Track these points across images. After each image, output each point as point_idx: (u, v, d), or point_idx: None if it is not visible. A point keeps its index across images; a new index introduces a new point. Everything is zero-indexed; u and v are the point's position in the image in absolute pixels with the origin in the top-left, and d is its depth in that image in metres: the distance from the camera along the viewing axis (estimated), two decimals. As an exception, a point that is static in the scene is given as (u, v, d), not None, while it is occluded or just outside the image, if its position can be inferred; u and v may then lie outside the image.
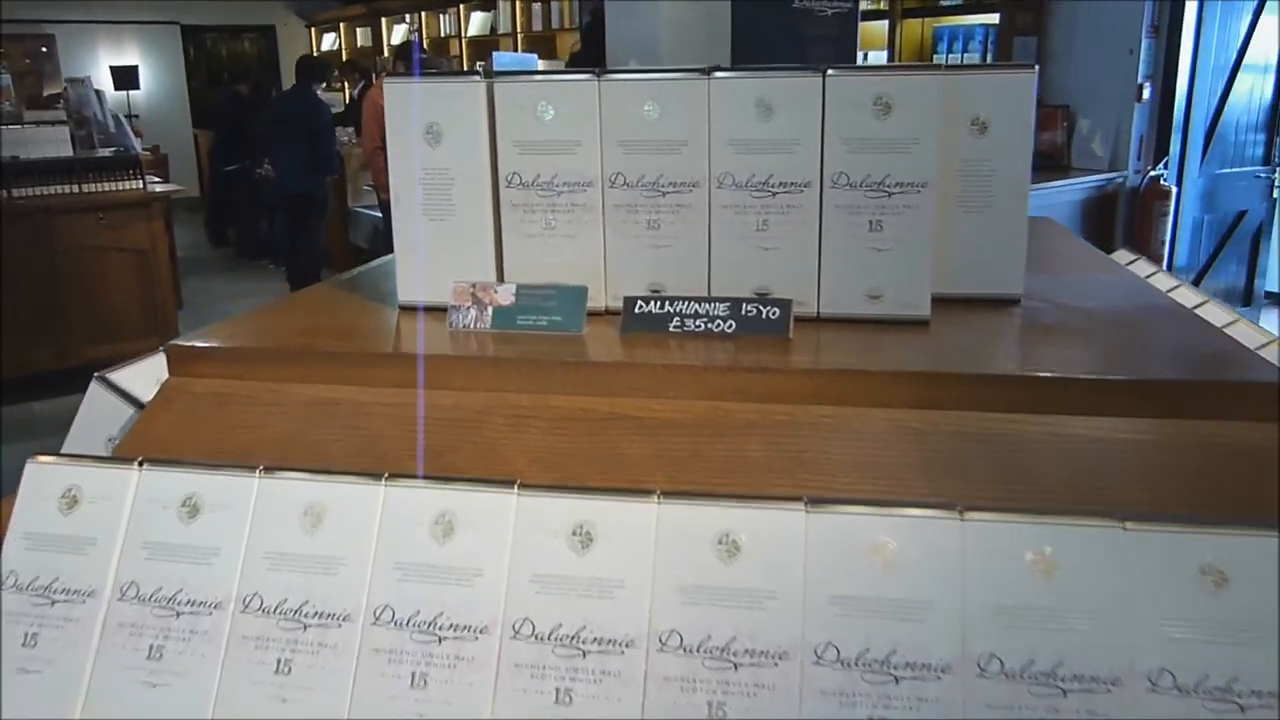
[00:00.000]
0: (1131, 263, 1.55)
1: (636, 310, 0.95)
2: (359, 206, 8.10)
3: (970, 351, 0.92)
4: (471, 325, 0.97)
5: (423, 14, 11.16)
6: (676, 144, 0.96)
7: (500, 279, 1.03)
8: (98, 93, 5.78)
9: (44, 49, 12.01)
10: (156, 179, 6.03)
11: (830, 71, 0.93)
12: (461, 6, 10.24)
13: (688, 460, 0.83)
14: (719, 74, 0.94)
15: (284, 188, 7.14)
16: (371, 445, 0.87)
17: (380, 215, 6.80)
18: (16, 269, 5.19)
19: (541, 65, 9.32)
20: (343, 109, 13.17)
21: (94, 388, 1.08)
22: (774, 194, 0.96)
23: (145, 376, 1.10)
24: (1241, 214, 5.58)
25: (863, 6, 6.12)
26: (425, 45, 9.95)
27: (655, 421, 0.85)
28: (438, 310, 1.03)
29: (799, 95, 0.94)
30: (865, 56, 6.17)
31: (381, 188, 6.38)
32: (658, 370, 0.86)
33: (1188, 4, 5.16)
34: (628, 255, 1.00)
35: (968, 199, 1.02)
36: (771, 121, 0.94)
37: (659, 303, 0.95)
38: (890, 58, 5.81)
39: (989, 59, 5.42)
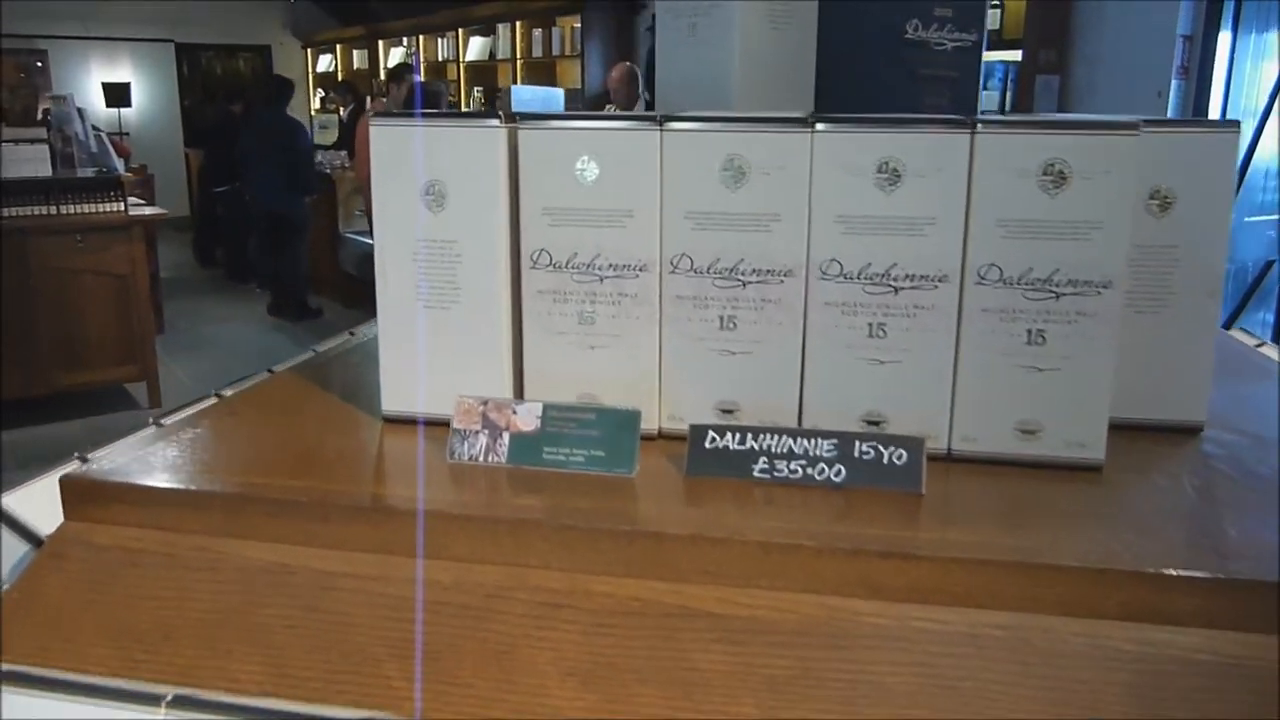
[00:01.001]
0: (1260, 345, 1.30)
1: (708, 444, 0.70)
2: (350, 232, 7.85)
3: (1192, 526, 0.67)
4: (481, 458, 0.71)
5: (420, 38, 10.98)
6: (765, 218, 0.71)
7: (518, 390, 0.78)
8: (80, 111, 5.53)
9: (38, 64, 11.78)
10: (140, 201, 5.78)
11: (982, 127, 0.68)
12: (460, 31, 10.05)
13: (791, 682, 0.57)
14: (826, 125, 0.69)
15: (262, 209, 7.04)
16: (337, 635, 0.61)
17: (373, 243, 6.54)
18: (-14, 292, 4.92)
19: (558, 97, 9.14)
20: (336, 131, 13.02)
21: (-26, 516, 0.81)
22: (896, 290, 0.71)
23: (52, 494, 0.83)
24: (1269, 264, 5.37)
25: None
26: (423, 69, 9.73)
27: (742, 623, 0.59)
28: (433, 425, 0.77)
29: (938, 158, 0.69)
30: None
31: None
32: (748, 549, 0.60)
33: (1219, 46, 4.99)
34: (692, 363, 0.75)
35: (1141, 297, 0.77)
36: (897, 192, 0.69)
37: (738, 435, 0.70)
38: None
39: (1009, 98, 5.22)
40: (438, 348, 0.78)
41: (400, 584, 0.63)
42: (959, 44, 0.86)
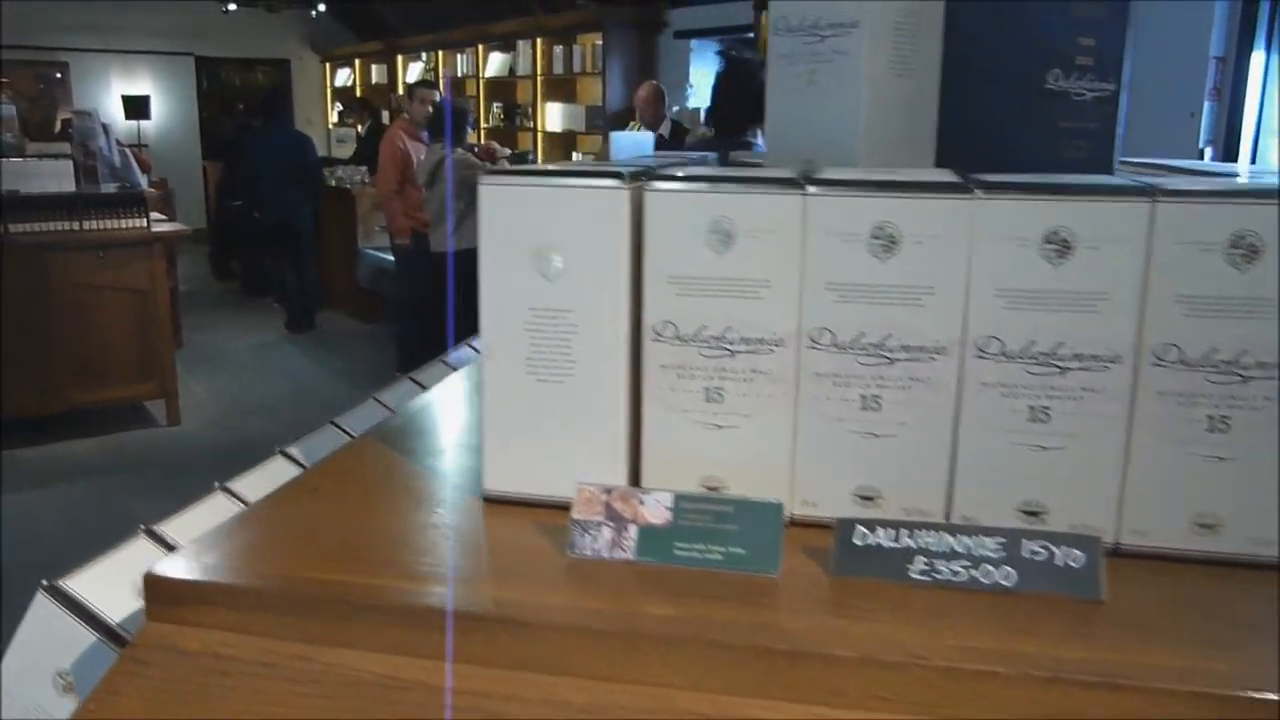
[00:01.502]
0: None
1: (858, 540, 0.63)
2: (369, 248, 7.82)
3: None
4: (605, 553, 0.64)
5: (440, 52, 10.98)
6: (916, 291, 0.65)
7: (634, 472, 0.71)
8: (105, 126, 5.51)
9: (58, 75, 11.82)
10: (161, 217, 5.74)
11: (1164, 196, 0.62)
12: (480, 46, 10.04)
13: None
14: (988, 192, 0.63)
15: (271, 221, 7.18)
16: (456, 760, 0.55)
17: (392, 259, 6.49)
18: (8, 306, 4.89)
19: (558, 111, 9.09)
20: (354, 146, 13.03)
21: (40, 601, 0.75)
22: (1063, 370, 0.64)
23: (121, 576, 0.77)
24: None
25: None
26: (444, 85, 9.69)
27: (924, 759, 0.52)
28: (540, 507, 0.71)
29: (1113, 228, 0.62)
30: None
31: (396, 232, 6.09)
32: (930, 675, 0.54)
33: (1251, 67, 4.93)
34: (829, 446, 0.68)
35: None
36: (1067, 264, 0.63)
37: (891, 531, 0.63)
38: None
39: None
40: (547, 424, 0.71)
41: (530, 704, 0.56)
42: (1098, 94, 0.80)
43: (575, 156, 9.07)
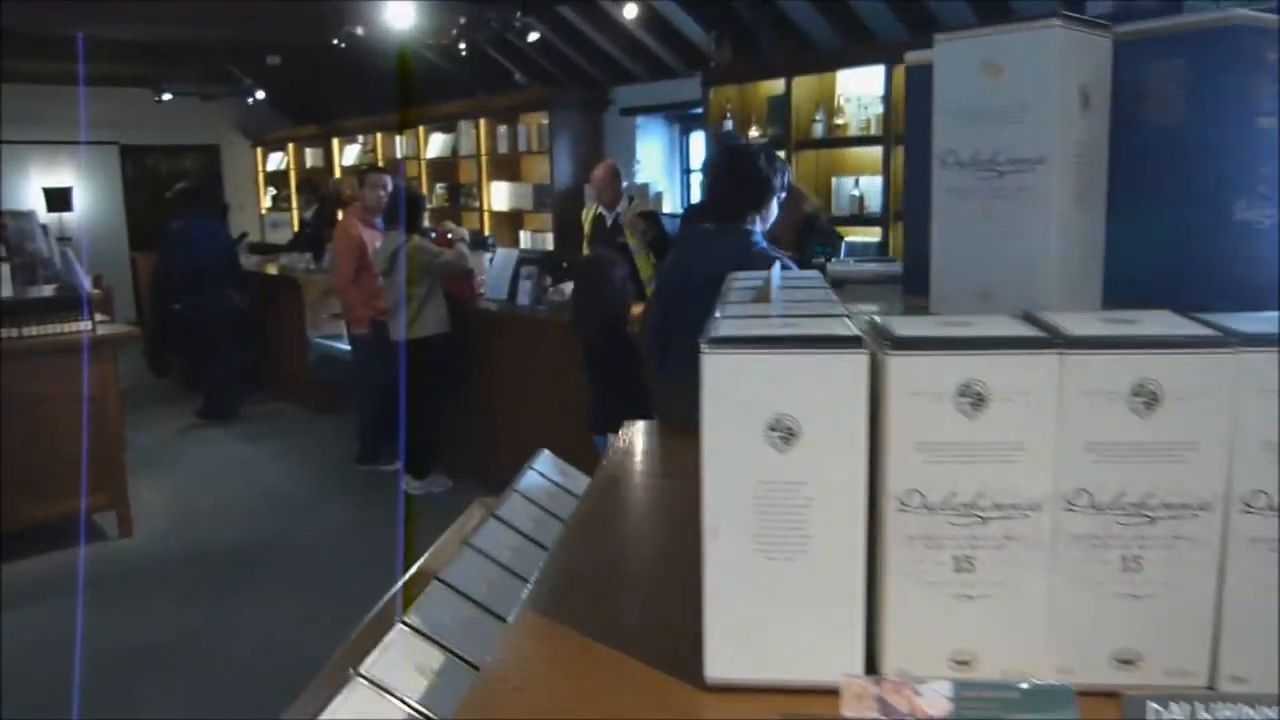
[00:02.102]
0: None
1: (1150, 718, 0.59)
2: (319, 337, 7.66)
3: None
4: (884, 754, 0.59)
5: (378, 135, 10.95)
6: (1180, 448, 0.62)
7: (869, 652, 0.66)
8: (43, 227, 5.33)
9: (-27, 169, 11.48)
10: (104, 317, 5.54)
11: None
12: (421, 128, 10.04)
13: None
14: (1254, 347, 0.61)
15: (198, 313, 7.30)
16: None
17: (350, 349, 6.36)
18: (-54, 422, 4.64)
19: (505, 190, 9.10)
20: (289, 230, 12.86)
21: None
22: (1336, 524, 0.62)
23: None
24: None
25: (855, 132, 6.04)
26: (385, 165, 9.61)
27: None
28: (772, 693, 0.66)
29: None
30: (857, 183, 6.06)
31: (354, 321, 5.97)
32: None
33: None
34: (1088, 611, 0.64)
35: None
36: (1340, 416, 0.61)
37: (1187, 707, 0.59)
38: (885, 185, 5.68)
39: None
40: (777, 605, 0.66)
41: None
42: (1274, 221, 0.79)
43: (522, 235, 9.07)
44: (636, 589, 0.91)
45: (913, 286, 0.97)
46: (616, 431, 3.83)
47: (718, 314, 0.78)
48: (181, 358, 8.94)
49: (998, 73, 0.76)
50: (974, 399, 0.63)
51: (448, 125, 9.72)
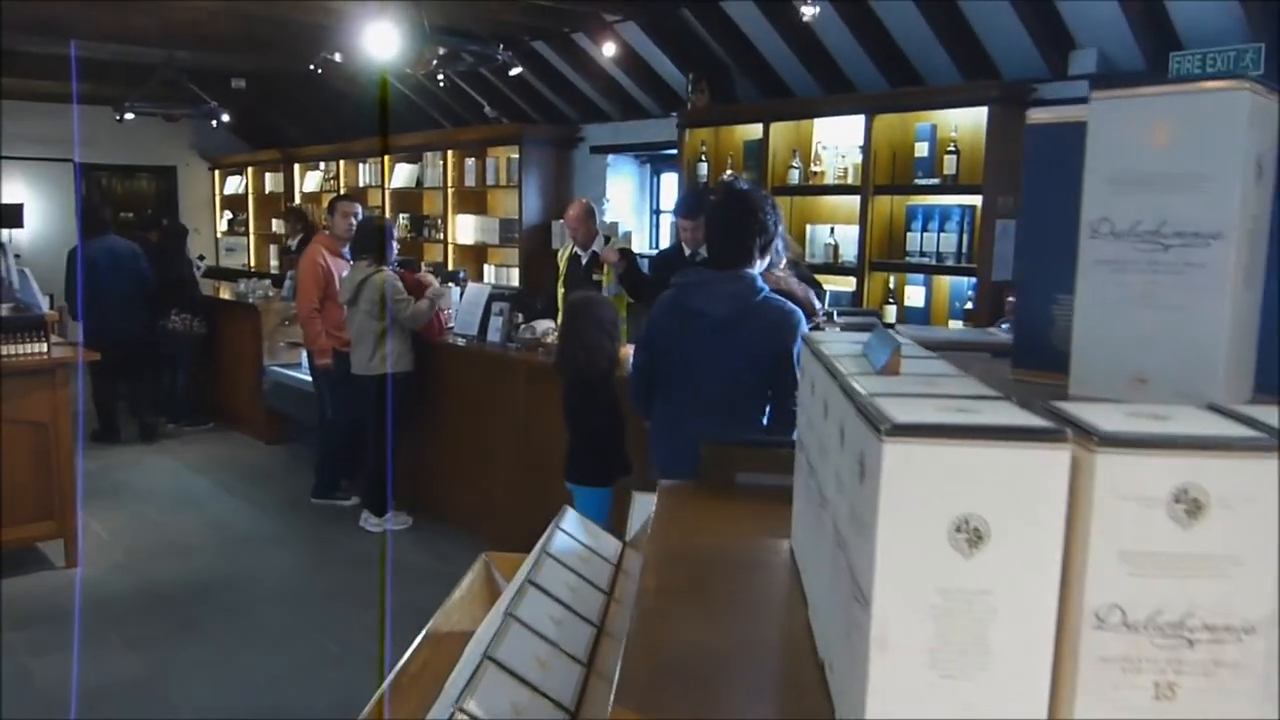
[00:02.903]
0: None
1: None
2: (276, 365, 7.45)
3: None
4: None
5: (340, 162, 10.81)
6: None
7: (1065, 783, 0.59)
8: (0, 245, 5.11)
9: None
10: (59, 340, 5.32)
11: None
12: (385, 158, 9.92)
13: None
14: None
15: (115, 336, 7.06)
16: None
17: (310, 379, 6.19)
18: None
19: (470, 223, 9.00)
20: (244, 255, 12.60)
21: None
22: None
23: None
24: None
25: (832, 180, 6.07)
26: (349, 192, 9.44)
27: None
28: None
29: None
30: (832, 231, 6.07)
31: (318, 352, 5.81)
32: None
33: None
34: None
35: None
36: None
37: None
38: (861, 235, 5.70)
39: (965, 241, 5.35)
40: (951, 727, 0.59)
41: None
42: None
43: (486, 269, 8.97)
44: (746, 687, 0.82)
45: (1027, 361, 0.91)
46: (598, 483, 3.74)
47: (860, 388, 0.70)
48: (128, 384, 8.67)
49: (1168, 136, 0.71)
50: (1190, 505, 0.56)
51: (413, 155, 9.62)
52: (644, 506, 1.54)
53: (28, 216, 11.35)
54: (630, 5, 6.54)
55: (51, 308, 6.83)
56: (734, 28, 6.30)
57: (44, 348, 4.77)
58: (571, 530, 1.44)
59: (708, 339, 3.09)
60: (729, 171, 6.56)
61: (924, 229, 5.47)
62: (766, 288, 3.06)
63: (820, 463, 0.88)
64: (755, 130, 6.40)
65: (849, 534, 0.67)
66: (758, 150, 6.32)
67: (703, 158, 6.69)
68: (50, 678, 3.82)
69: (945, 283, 5.56)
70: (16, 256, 10.12)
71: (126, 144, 11.76)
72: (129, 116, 8.40)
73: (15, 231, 11.09)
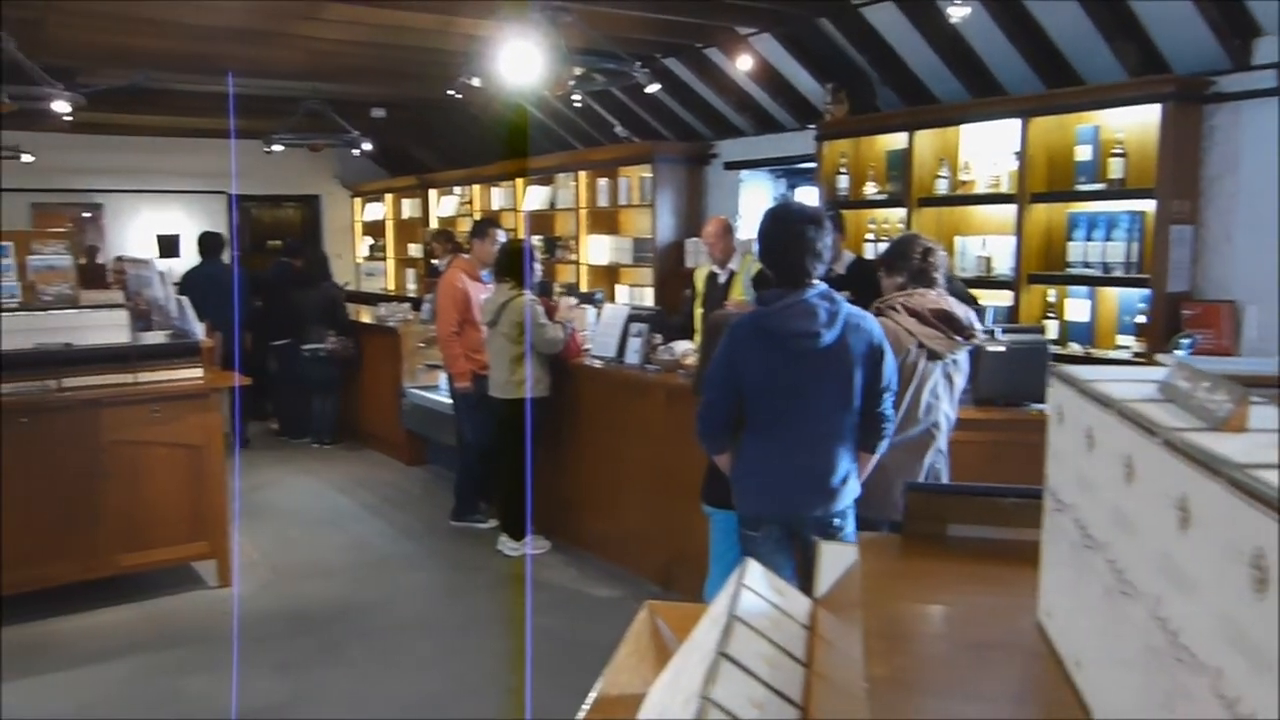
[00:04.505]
0: None
1: None
2: (415, 387, 7.55)
3: None
4: None
5: (475, 187, 10.98)
6: None
7: None
8: (161, 274, 5.32)
9: (88, 214, 11.85)
10: (213, 367, 5.50)
11: None
12: (518, 181, 10.02)
13: None
14: None
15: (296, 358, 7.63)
16: None
17: (450, 401, 6.21)
18: (52, 469, 4.59)
19: (603, 244, 8.97)
20: (382, 279, 12.94)
21: None
22: None
23: None
24: None
25: (983, 189, 5.74)
26: (486, 217, 9.56)
27: None
28: None
29: None
30: (984, 243, 5.74)
31: (457, 375, 5.83)
32: None
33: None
34: None
35: None
36: None
37: None
38: (1018, 246, 5.35)
39: (1134, 250, 4.94)
40: None
41: None
42: None
43: (619, 290, 8.91)
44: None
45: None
46: (732, 507, 3.54)
47: (1226, 455, 0.52)
48: (276, 405, 8.99)
49: None
50: None
51: (545, 178, 9.68)
52: (834, 559, 1.36)
53: (183, 246, 11.97)
54: (766, 18, 6.37)
55: (210, 335, 7.13)
56: (874, 35, 6.05)
57: (199, 373, 4.91)
58: (758, 587, 1.27)
59: (813, 359, 3.00)
60: (870, 186, 6.30)
61: (1088, 238, 5.08)
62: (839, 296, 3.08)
63: (1094, 514, 0.76)
64: (898, 140, 6.13)
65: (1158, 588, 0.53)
66: (901, 160, 6.04)
67: (842, 170, 6.45)
68: (199, 698, 3.88)
69: (1112, 295, 5.15)
70: (176, 284, 10.70)
71: (273, 174, 12.28)
72: (276, 148, 8.72)
73: (173, 260, 11.70)
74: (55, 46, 6.83)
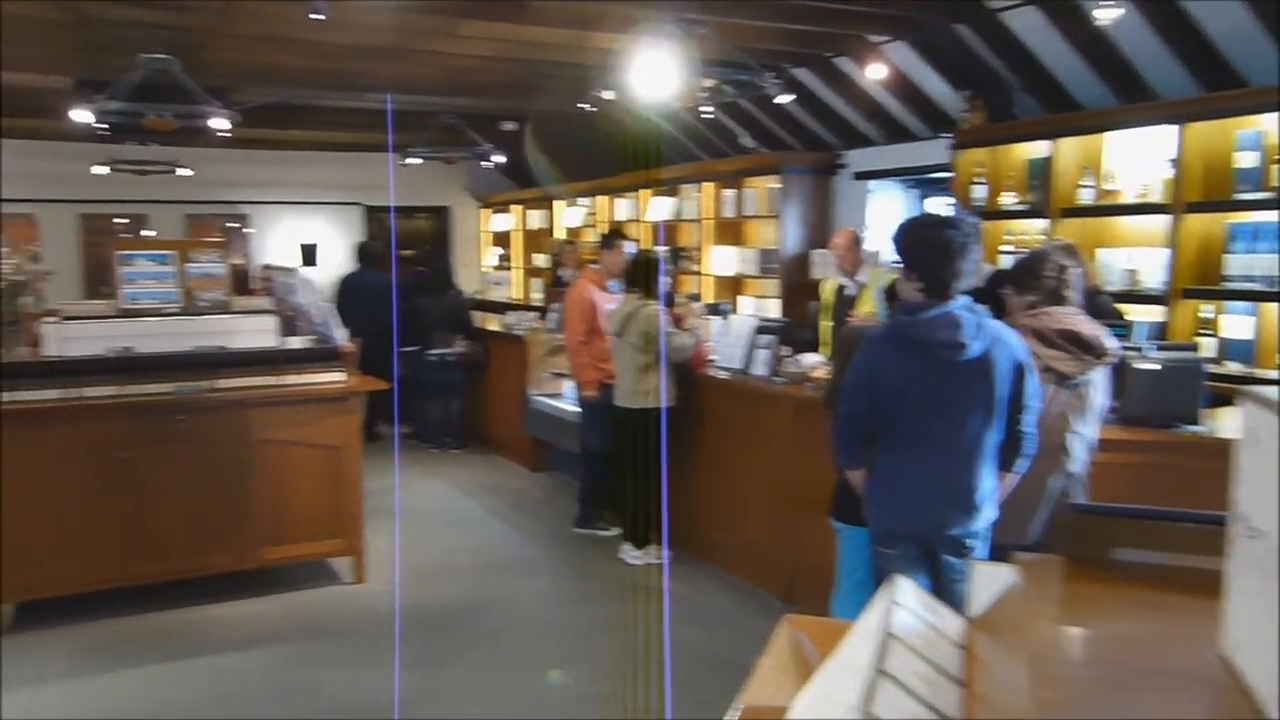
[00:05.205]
0: None
1: None
2: (540, 394, 7.68)
3: None
4: None
5: (598, 198, 11.11)
6: None
7: None
8: (307, 282, 5.57)
9: (235, 224, 12.51)
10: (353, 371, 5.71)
11: None
12: (641, 192, 10.08)
13: None
14: None
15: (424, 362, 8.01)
16: None
17: (579, 409, 6.28)
18: (208, 465, 4.86)
19: (728, 255, 8.95)
20: (507, 289, 13.21)
21: None
22: None
23: None
24: None
25: (1131, 199, 5.47)
26: (615, 228, 9.68)
27: None
28: None
29: None
30: (1129, 256, 5.47)
31: (584, 384, 5.90)
32: None
33: None
34: None
35: None
36: None
37: None
38: (1171, 259, 5.08)
39: (1301, 261, 4.62)
40: None
41: None
42: None
43: (743, 301, 8.87)
44: None
45: None
46: (866, 522, 3.45)
47: None
48: (408, 410, 9.27)
49: None
50: None
51: (670, 189, 9.71)
52: (988, 579, 1.31)
53: (320, 256, 12.51)
54: (900, 26, 6.25)
55: (351, 340, 7.42)
56: (1014, 40, 5.86)
57: (342, 376, 5.11)
58: (910, 605, 1.23)
59: (957, 371, 2.92)
60: (1008, 196, 6.09)
61: (1250, 250, 4.78)
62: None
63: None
64: (1038, 148, 5.91)
65: None
66: (1042, 169, 5.82)
67: (978, 180, 6.26)
68: (336, 690, 4.02)
69: (1274, 310, 4.83)
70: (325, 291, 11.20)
71: (408, 186, 12.73)
72: (412, 161, 9.04)
73: (311, 268, 12.25)
74: (212, 67, 7.25)
